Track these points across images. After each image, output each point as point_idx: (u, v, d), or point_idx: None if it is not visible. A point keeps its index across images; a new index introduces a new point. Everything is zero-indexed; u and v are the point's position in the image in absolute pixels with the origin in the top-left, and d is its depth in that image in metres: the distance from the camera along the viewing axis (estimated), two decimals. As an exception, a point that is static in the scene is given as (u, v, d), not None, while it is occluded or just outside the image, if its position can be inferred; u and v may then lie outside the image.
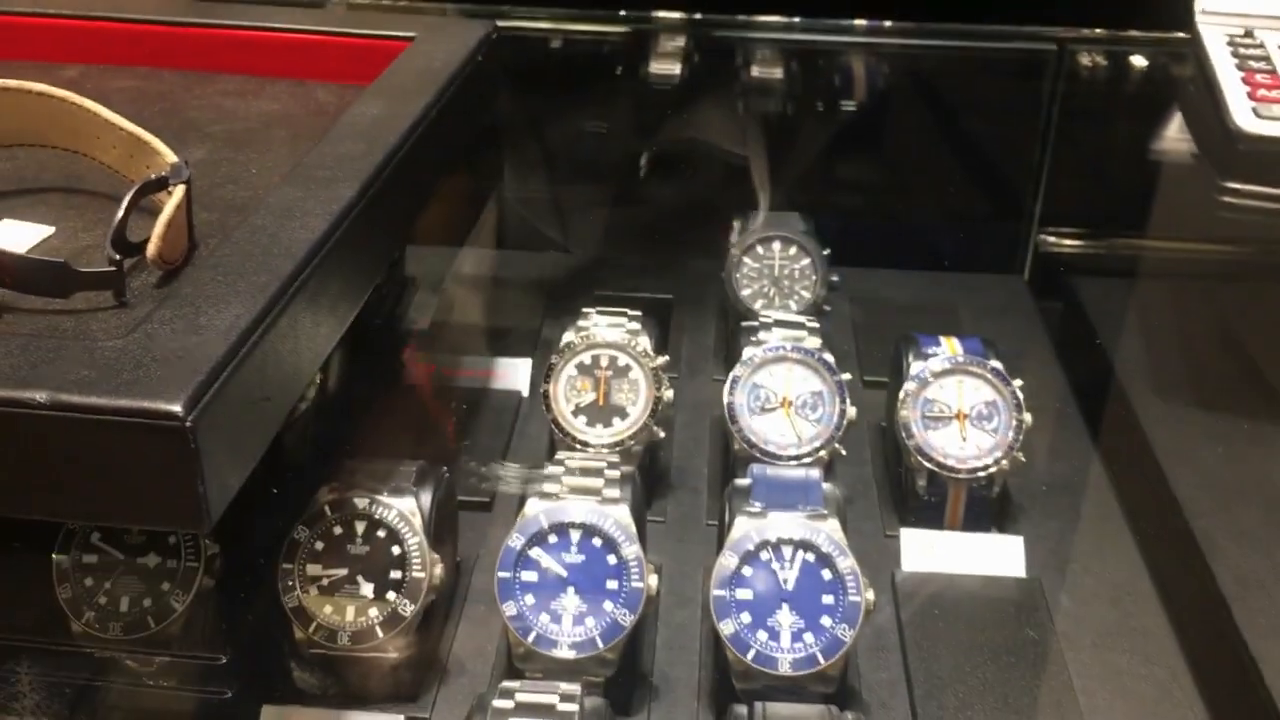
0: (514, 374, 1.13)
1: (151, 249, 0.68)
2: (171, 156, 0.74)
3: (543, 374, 0.96)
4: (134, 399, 0.52)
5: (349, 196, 0.71)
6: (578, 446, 0.93)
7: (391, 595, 0.77)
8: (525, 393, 1.12)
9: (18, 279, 0.65)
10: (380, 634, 0.77)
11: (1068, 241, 1.36)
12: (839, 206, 1.39)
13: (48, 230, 0.75)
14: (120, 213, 0.69)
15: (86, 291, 0.67)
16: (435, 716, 0.79)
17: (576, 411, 0.95)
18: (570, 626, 0.76)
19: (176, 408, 0.52)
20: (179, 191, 0.71)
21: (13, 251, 0.65)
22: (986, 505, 0.94)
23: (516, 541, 0.77)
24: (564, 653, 0.75)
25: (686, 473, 1.03)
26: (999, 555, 0.91)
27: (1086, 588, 0.90)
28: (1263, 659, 0.76)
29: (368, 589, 0.78)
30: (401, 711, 0.78)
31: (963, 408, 0.94)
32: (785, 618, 0.76)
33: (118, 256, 0.67)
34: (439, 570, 0.78)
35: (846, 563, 0.76)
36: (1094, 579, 0.91)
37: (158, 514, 0.55)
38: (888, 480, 1.01)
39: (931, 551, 0.92)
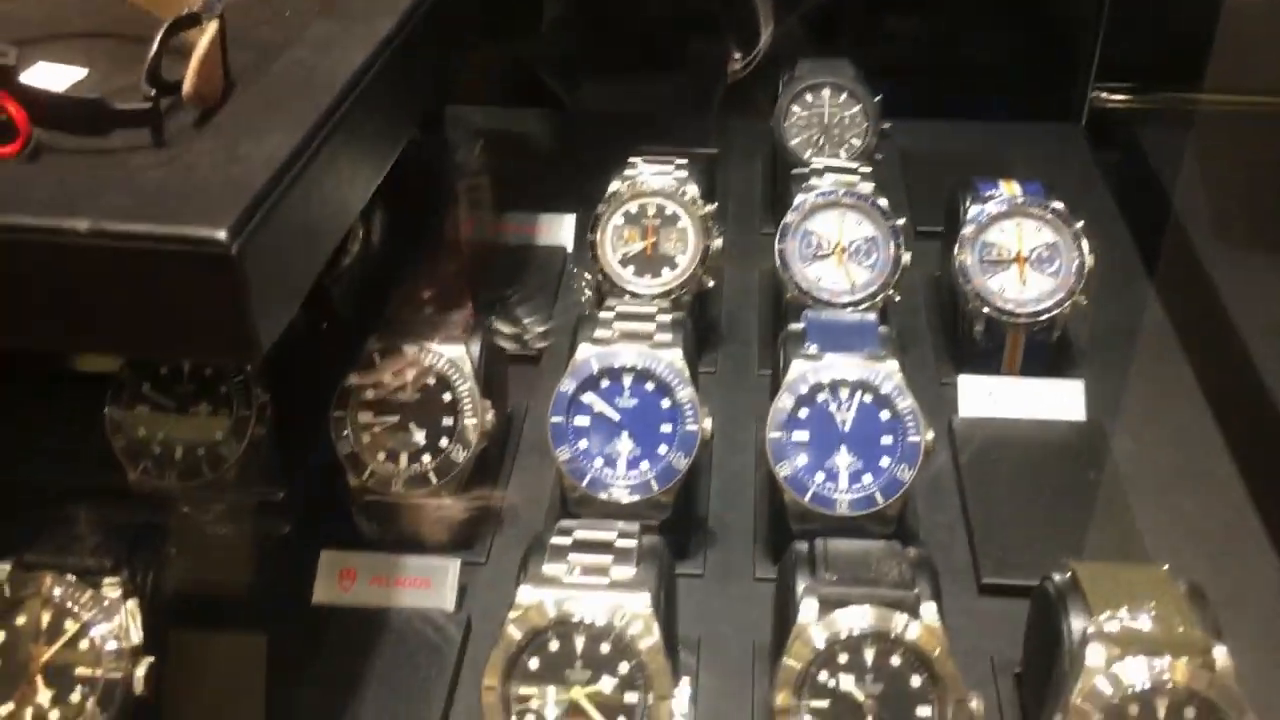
0: (558, 229, 1.11)
1: (187, 86, 0.66)
2: (205, -8, 0.72)
3: (588, 225, 0.94)
4: (177, 225, 0.50)
5: (387, 29, 0.69)
6: (626, 296, 0.92)
7: (444, 442, 0.77)
8: (570, 248, 1.10)
9: (54, 117, 0.63)
10: (434, 480, 0.76)
11: (1124, 94, 1.31)
12: (888, 54, 1.33)
13: (81, 72, 0.73)
14: (153, 49, 0.67)
15: (124, 129, 0.65)
16: (490, 562, 0.79)
17: (624, 261, 0.93)
18: (625, 470, 0.75)
19: (220, 234, 0.50)
20: (212, 27, 0.68)
21: (49, 89, 0.63)
22: (1045, 350, 0.92)
23: (569, 386, 0.76)
24: (619, 496, 0.75)
25: (737, 323, 1.01)
26: (1058, 400, 0.89)
27: (1149, 431, 0.88)
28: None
29: (419, 436, 0.77)
30: (457, 557, 0.78)
31: (1022, 250, 0.91)
32: (843, 459, 0.74)
33: (153, 93, 0.65)
34: (490, 417, 0.77)
35: (906, 403, 0.74)
36: (1156, 423, 0.89)
37: (207, 345, 0.54)
38: (942, 329, 0.99)
39: (989, 397, 0.90)
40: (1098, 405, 0.89)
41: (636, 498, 0.75)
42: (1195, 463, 0.85)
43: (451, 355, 0.78)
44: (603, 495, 0.75)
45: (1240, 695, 0.57)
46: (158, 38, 0.67)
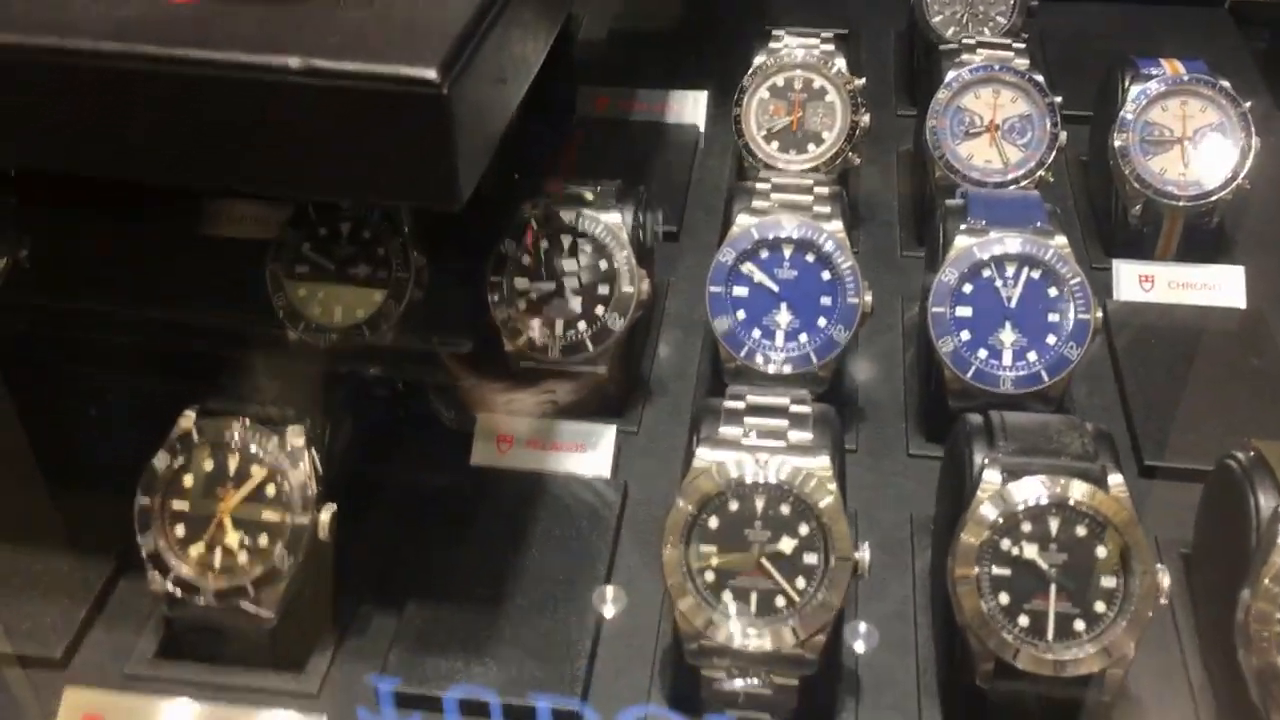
0: (690, 107, 1.09)
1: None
2: None
3: (732, 99, 0.92)
4: (389, 64, 0.49)
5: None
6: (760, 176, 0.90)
7: (600, 310, 0.76)
8: (702, 126, 1.08)
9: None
10: (590, 347, 0.76)
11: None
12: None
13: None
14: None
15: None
16: (642, 431, 0.79)
17: (769, 136, 0.91)
18: (783, 342, 0.75)
19: (431, 73, 0.49)
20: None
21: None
22: (1204, 236, 0.89)
23: (727, 256, 0.75)
24: (777, 368, 0.74)
25: (876, 205, 0.99)
26: (1218, 286, 0.87)
27: (1314, 320, 0.85)
28: None
29: (575, 303, 0.77)
30: (611, 423, 0.78)
31: (1186, 131, 0.88)
32: (1007, 335, 0.73)
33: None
34: (646, 285, 0.77)
35: (1076, 279, 0.73)
36: (1321, 311, 0.86)
37: (409, 188, 0.53)
38: (1092, 214, 0.96)
39: (1146, 282, 0.88)
40: (1259, 293, 0.86)
41: (795, 370, 0.74)
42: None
43: (608, 222, 0.77)
44: (760, 366, 0.74)
45: None
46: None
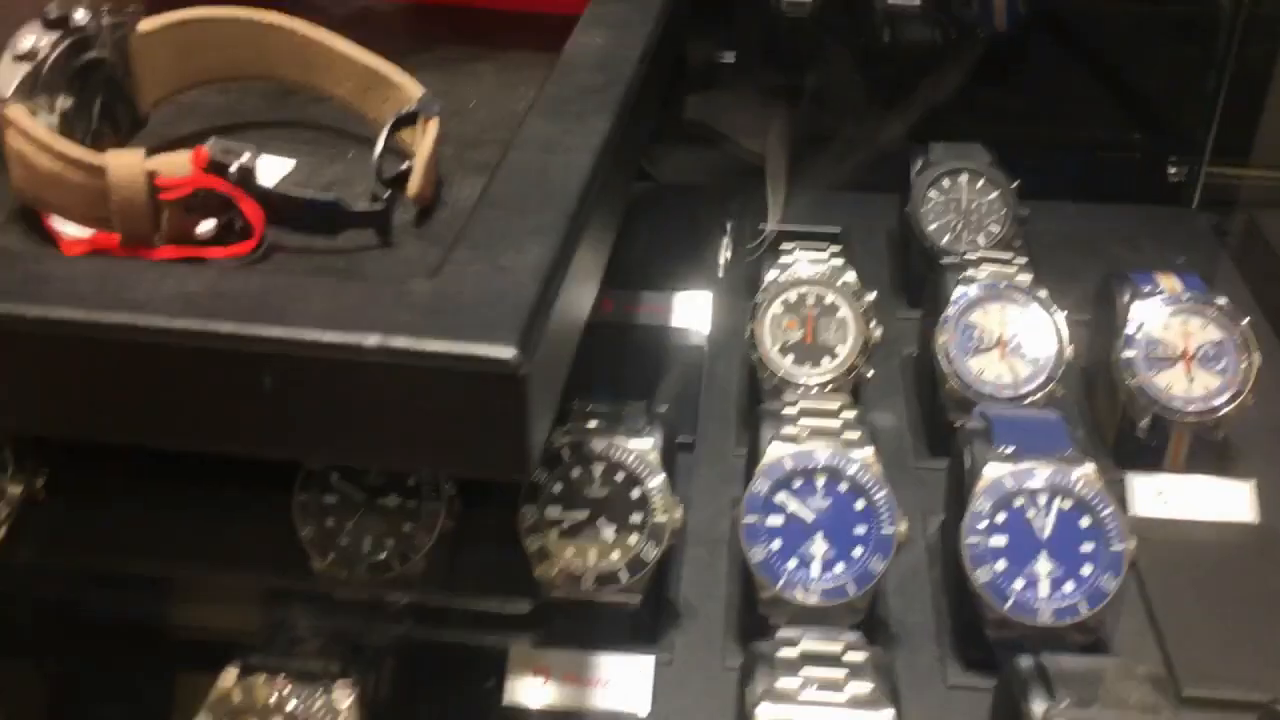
0: (694, 310, 1.11)
1: (414, 187, 0.67)
2: (414, 89, 0.72)
3: (747, 313, 0.94)
4: (464, 343, 0.50)
5: (605, 130, 0.69)
6: (785, 387, 0.91)
7: (633, 539, 0.76)
8: (706, 330, 1.09)
9: (288, 217, 0.64)
10: (624, 578, 0.76)
11: (1239, 172, 1.31)
12: (997, 136, 1.33)
13: (289, 164, 0.73)
14: (378, 149, 0.67)
15: (352, 230, 0.65)
16: (676, 659, 0.78)
17: (784, 350, 0.93)
18: (820, 573, 0.74)
19: (509, 354, 0.50)
20: (433, 127, 0.69)
21: (284, 191, 0.63)
22: (1209, 450, 0.91)
23: (761, 486, 0.75)
24: (815, 600, 0.74)
25: (886, 411, 1.00)
26: (1229, 501, 0.88)
27: (1327, 535, 0.87)
28: None
29: (609, 532, 0.76)
30: (647, 654, 0.77)
31: (1188, 348, 0.91)
32: (1043, 566, 0.74)
33: (385, 194, 0.65)
34: (679, 514, 0.77)
35: (1107, 509, 0.74)
36: (1333, 525, 0.88)
37: (480, 460, 0.53)
38: (1095, 423, 0.98)
39: (1160, 496, 0.89)
40: (1270, 507, 0.88)
41: (831, 602, 0.74)
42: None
43: (639, 449, 0.77)
44: (798, 599, 0.74)
45: None
46: (382, 138, 0.68)
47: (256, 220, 0.62)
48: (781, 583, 0.74)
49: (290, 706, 0.61)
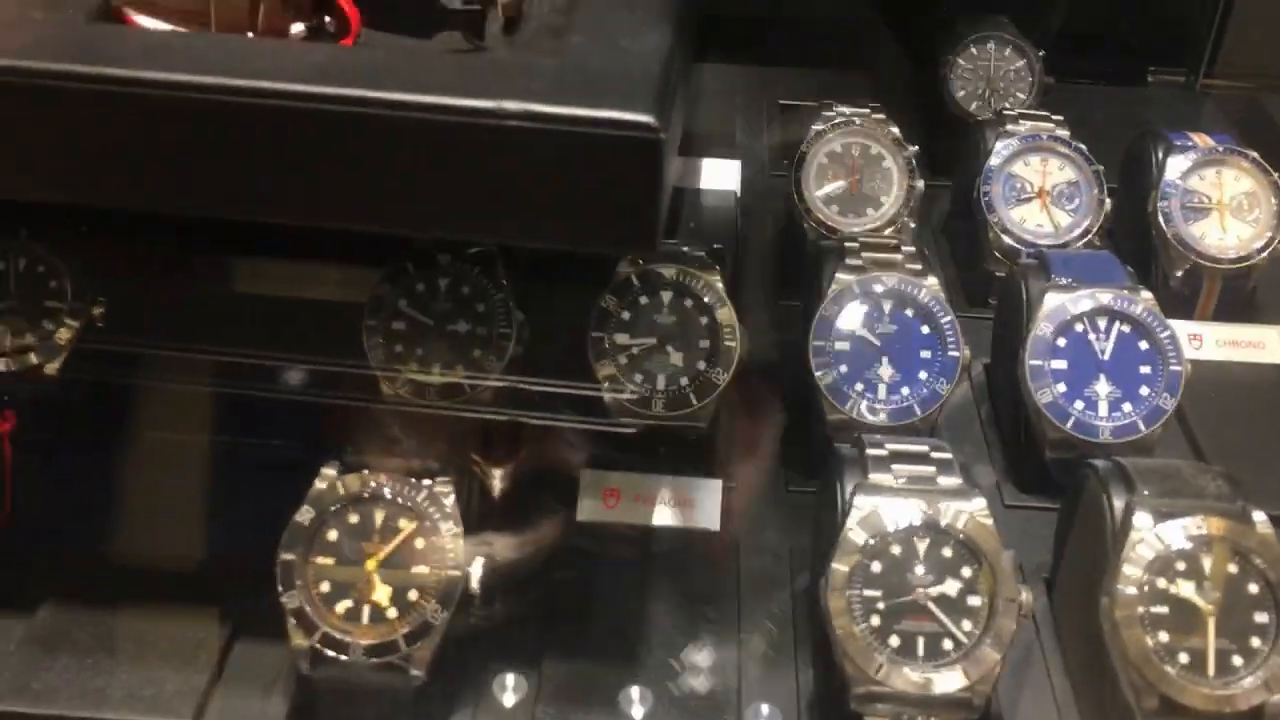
0: (724, 174, 1.11)
1: (507, -9, 0.66)
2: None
3: (793, 161, 0.94)
4: (607, 109, 0.50)
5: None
6: (830, 235, 0.92)
7: (702, 364, 0.77)
8: (739, 192, 1.10)
9: (381, 14, 0.63)
10: (694, 402, 0.77)
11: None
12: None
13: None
14: (470, -48, 0.66)
15: (444, 32, 0.64)
16: (739, 483, 0.80)
17: (828, 200, 0.94)
18: (886, 395, 0.76)
19: (650, 118, 0.50)
20: (520, -65, 0.68)
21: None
22: (1239, 298, 0.94)
23: (831, 312, 0.77)
24: (880, 420, 0.75)
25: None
26: (1262, 345, 0.91)
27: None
28: None
29: (678, 358, 0.77)
30: (706, 474, 0.78)
31: (1222, 198, 0.93)
32: (1103, 387, 0.76)
33: (477, -4, 0.64)
34: (747, 340, 0.78)
35: (1165, 332, 0.76)
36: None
37: (611, 233, 0.53)
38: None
39: (1193, 341, 0.92)
40: (1300, 352, 0.91)
41: (897, 422, 0.76)
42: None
43: (708, 278, 0.78)
44: (865, 419, 0.75)
45: None
46: (472, -59, 0.67)
47: (353, 15, 0.62)
48: (849, 404, 0.76)
49: (391, 498, 0.61)
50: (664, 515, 0.76)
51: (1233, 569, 0.60)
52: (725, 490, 0.78)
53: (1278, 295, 0.96)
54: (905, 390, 0.76)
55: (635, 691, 0.65)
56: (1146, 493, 0.63)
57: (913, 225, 0.94)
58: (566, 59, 0.54)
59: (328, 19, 0.64)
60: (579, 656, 0.67)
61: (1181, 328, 0.92)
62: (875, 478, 0.63)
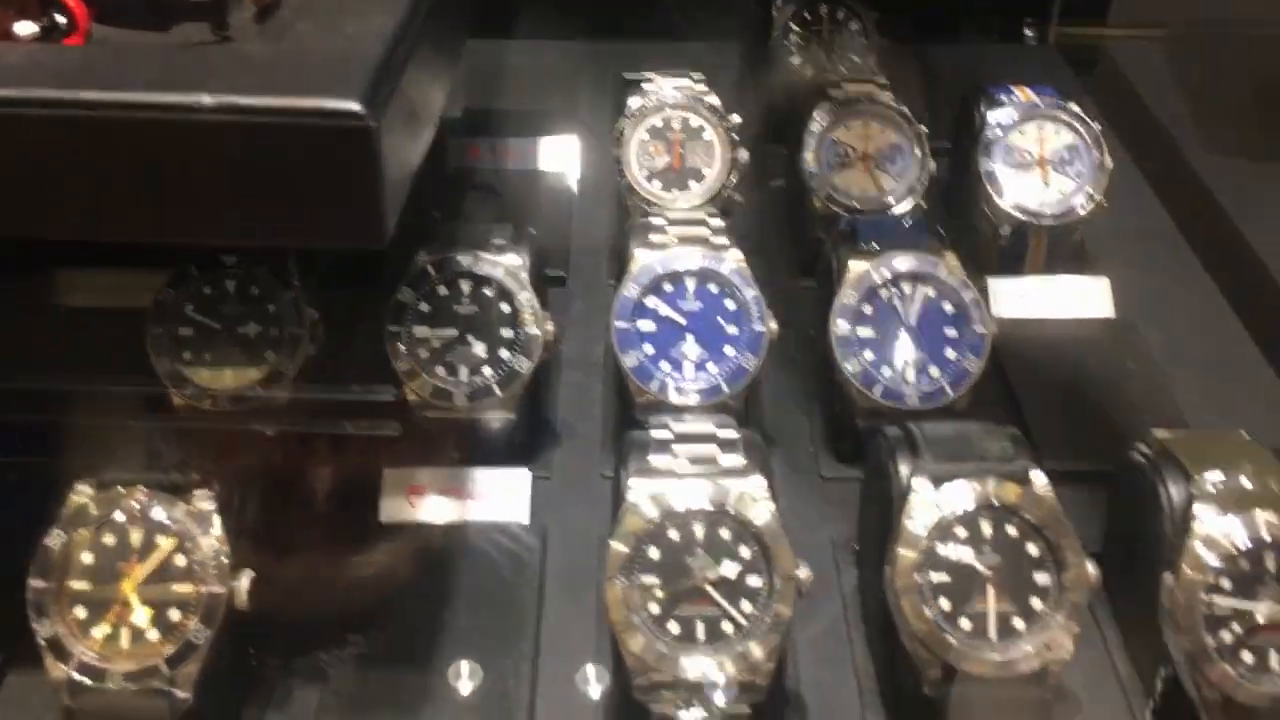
0: (562, 153, 1.09)
1: (250, -22, 0.63)
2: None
3: (611, 140, 0.92)
4: (308, 97, 0.48)
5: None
6: (653, 211, 0.90)
7: (505, 354, 0.75)
8: (577, 172, 1.08)
9: (113, 9, 0.60)
10: (497, 392, 0.75)
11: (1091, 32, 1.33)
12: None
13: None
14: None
15: (185, 23, 0.61)
16: (555, 474, 0.78)
17: (651, 176, 0.92)
18: (693, 373, 0.75)
19: (355, 105, 0.48)
20: (267, -82, 0.65)
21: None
22: (1068, 252, 0.94)
23: (632, 291, 0.75)
24: (689, 400, 0.74)
25: (757, 239, 1.00)
26: (1087, 298, 0.91)
27: (1177, 324, 0.90)
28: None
29: (480, 348, 0.75)
30: (514, 465, 0.76)
31: (1044, 153, 0.93)
32: (909, 352, 0.75)
33: (218, -17, 0.62)
34: (551, 326, 0.76)
35: (969, 295, 0.75)
36: (1182, 315, 0.91)
37: (333, 227, 0.51)
38: (960, 234, 0.99)
39: (1020, 298, 0.91)
40: (1123, 302, 0.91)
41: (706, 400, 0.74)
42: (1224, 351, 0.88)
43: (508, 264, 0.76)
44: (672, 399, 0.74)
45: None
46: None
47: (80, 12, 0.59)
48: (655, 384, 0.74)
49: (146, 515, 0.58)
50: (470, 510, 0.74)
51: (1012, 531, 0.59)
52: (535, 481, 0.76)
53: (1105, 248, 0.96)
54: (712, 367, 0.75)
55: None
56: (930, 457, 0.62)
57: (738, 198, 0.92)
58: (283, 47, 0.52)
59: (59, 17, 0.60)
60: (371, 665, 0.65)
61: (1009, 285, 0.92)
62: (655, 460, 0.61)
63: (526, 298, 0.75)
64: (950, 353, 0.75)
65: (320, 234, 0.52)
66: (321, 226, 0.51)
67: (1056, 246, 0.93)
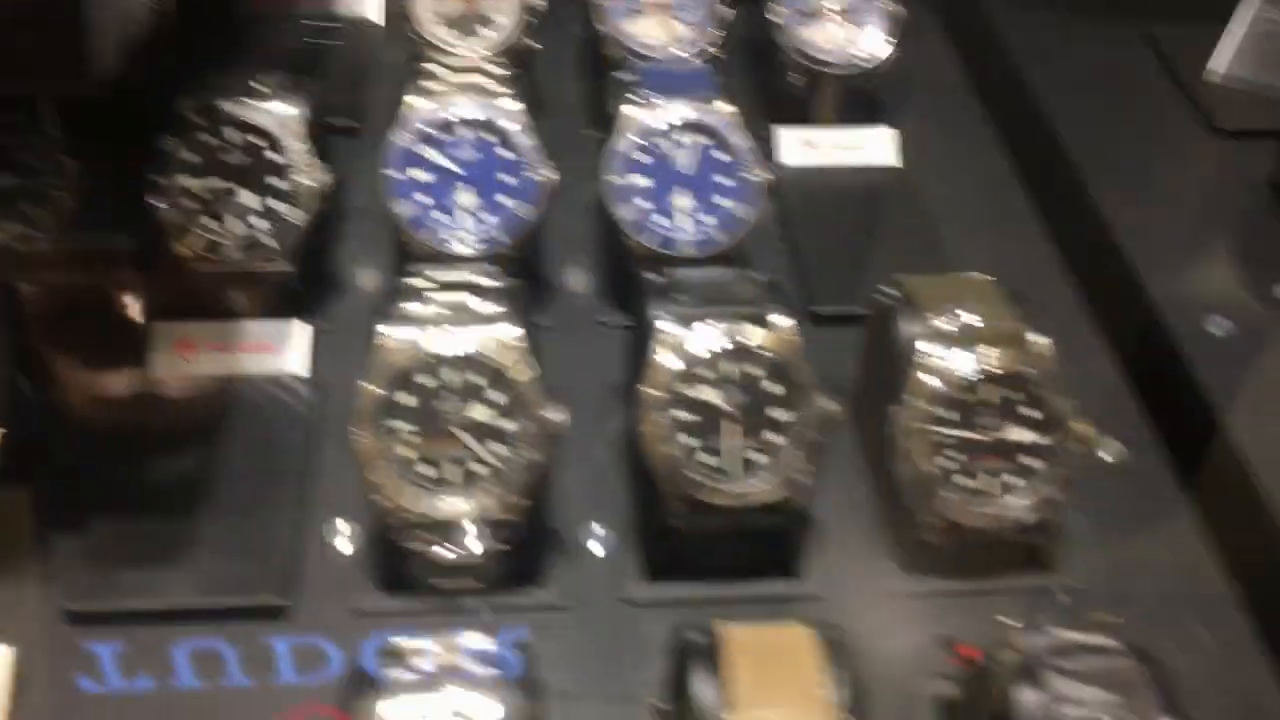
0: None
1: None
2: None
3: (401, -15, 0.90)
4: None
5: None
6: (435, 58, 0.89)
7: (278, 204, 0.74)
8: (381, 20, 1.05)
9: None
10: (270, 244, 0.74)
11: None
12: None
13: None
14: None
15: None
16: (340, 327, 0.78)
17: (439, 21, 0.90)
18: (471, 224, 0.75)
19: (43, -64, 0.46)
20: None
21: None
22: (860, 102, 0.95)
23: (402, 139, 0.74)
24: (467, 250, 0.74)
25: (554, 89, 1.00)
26: (873, 148, 0.93)
27: (959, 176, 0.93)
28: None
29: (251, 199, 0.74)
30: (293, 318, 0.76)
31: (839, 3, 0.93)
32: (683, 201, 0.76)
33: None
34: (328, 177, 0.75)
35: (745, 143, 0.76)
36: (965, 168, 0.94)
37: (35, 70, 0.49)
38: (754, 86, 1.00)
39: (808, 146, 0.93)
40: (909, 152, 0.93)
41: (484, 250, 0.75)
42: (1001, 205, 0.92)
43: (280, 113, 0.74)
44: (449, 249, 0.74)
45: (1058, 372, 0.63)
46: None
47: None
48: (431, 235, 0.74)
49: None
50: (245, 363, 0.74)
51: (755, 371, 0.62)
52: (319, 335, 0.76)
53: (897, 98, 0.97)
54: (488, 217, 0.75)
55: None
56: (679, 302, 0.63)
57: (536, 46, 0.91)
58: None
59: None
60: (132, 517, 0.65)
61: (795, 134, 0.94)
62: (406, 307, 0.61)
63: (300, 148, 0.74)
64: (725, 200, 0.76)
65: (20, 74, 0.50)
66: (23, 69, 0.49)
67: (848, 96, 0.94)
